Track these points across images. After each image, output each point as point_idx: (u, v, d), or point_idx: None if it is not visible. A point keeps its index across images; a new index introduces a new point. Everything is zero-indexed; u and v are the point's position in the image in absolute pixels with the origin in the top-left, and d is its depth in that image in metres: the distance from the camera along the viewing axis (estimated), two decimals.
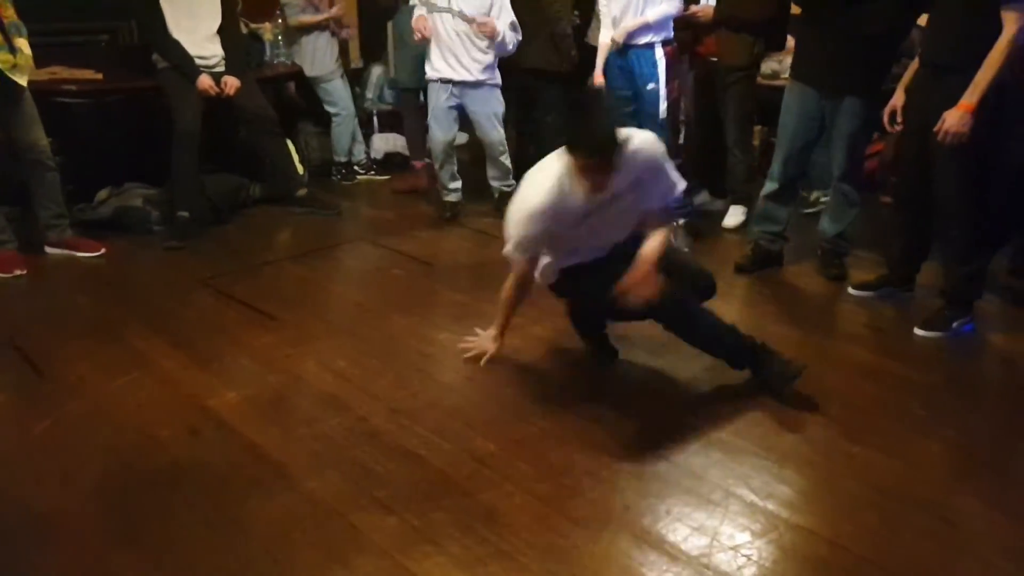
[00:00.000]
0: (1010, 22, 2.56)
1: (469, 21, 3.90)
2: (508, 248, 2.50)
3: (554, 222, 2.38)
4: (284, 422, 2.45)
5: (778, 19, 3.79)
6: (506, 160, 4.29)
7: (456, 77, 4.01)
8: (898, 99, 3.07)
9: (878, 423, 2.46)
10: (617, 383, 2.70)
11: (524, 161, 3.40)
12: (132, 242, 4.02)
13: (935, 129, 2.73)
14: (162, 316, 3.19)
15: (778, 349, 2.60)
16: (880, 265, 3.40)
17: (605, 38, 3.85)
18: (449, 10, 3.92)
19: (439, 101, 4.11)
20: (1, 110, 3.46)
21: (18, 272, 3.53)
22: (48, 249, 3.78)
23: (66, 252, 3.77)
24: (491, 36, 3.92)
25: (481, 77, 4.03)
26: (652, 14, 3.62)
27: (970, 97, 2.65)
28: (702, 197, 4.37)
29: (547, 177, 2.37)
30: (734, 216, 4.24)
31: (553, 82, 4.38)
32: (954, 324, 2.99)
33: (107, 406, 2.54)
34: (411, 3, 4.11)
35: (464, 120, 4.28)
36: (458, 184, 4.37)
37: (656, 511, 2.04)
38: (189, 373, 2.73)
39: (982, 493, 2.12)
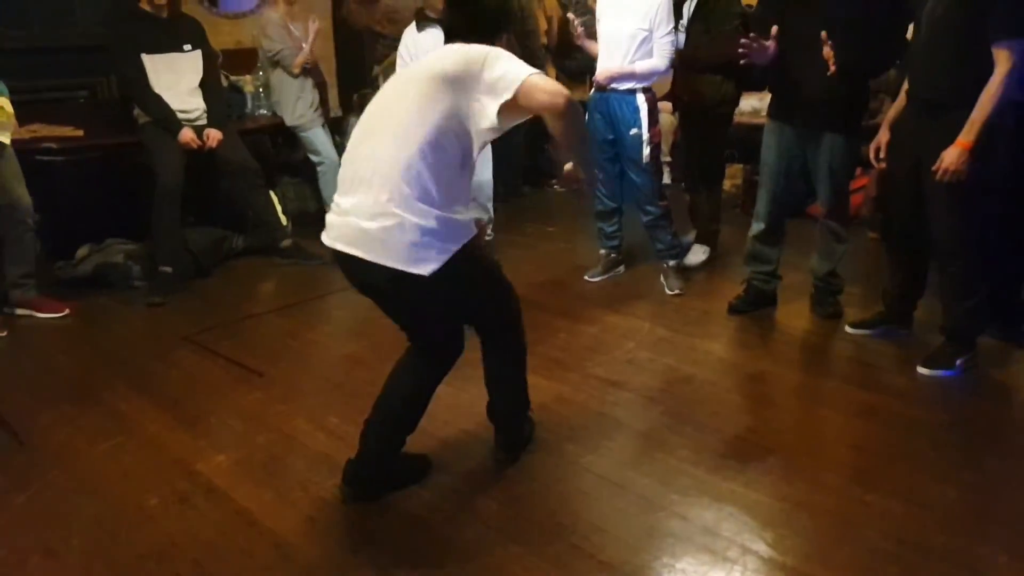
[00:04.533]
0: (1003, 60, 2.56)
1: None
2: (522, 74, 1.95)
3: None
4: (277, 486, 2.34)
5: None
6: (491, 204, 4.22)
7: None
8: (883, 136, 3.08)
9: (890, 467, 2.39)
10: (619, 436, 2.62)
11: None
12: (114, 299, 3.91)
13: (933, 168, 2.72)
14: (145, 376, 3.08)
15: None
16: (876, 302, 3.37)
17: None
18: None
19: None
20: None
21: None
22: (14, 309, 3.65)
23: (29, 312, 3.65)
24: None
25: None
26: (640, 66, 3.61)
27: (967, 136, 2.64)
28: (692, 237, 4.35)
29: None
30: (696, 254, 4.23)
31: None
32: (958, 361, 2.95)
33: (91, 474, 2.42)
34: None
35: None
36: None
37: (672, 570, 1.96)
38: (175, 436, 2.62)
39: (1006, 541, 2.05)
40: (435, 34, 3.87)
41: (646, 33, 3.58)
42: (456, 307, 2.21)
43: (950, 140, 2.67)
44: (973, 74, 2.61)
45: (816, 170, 3.27)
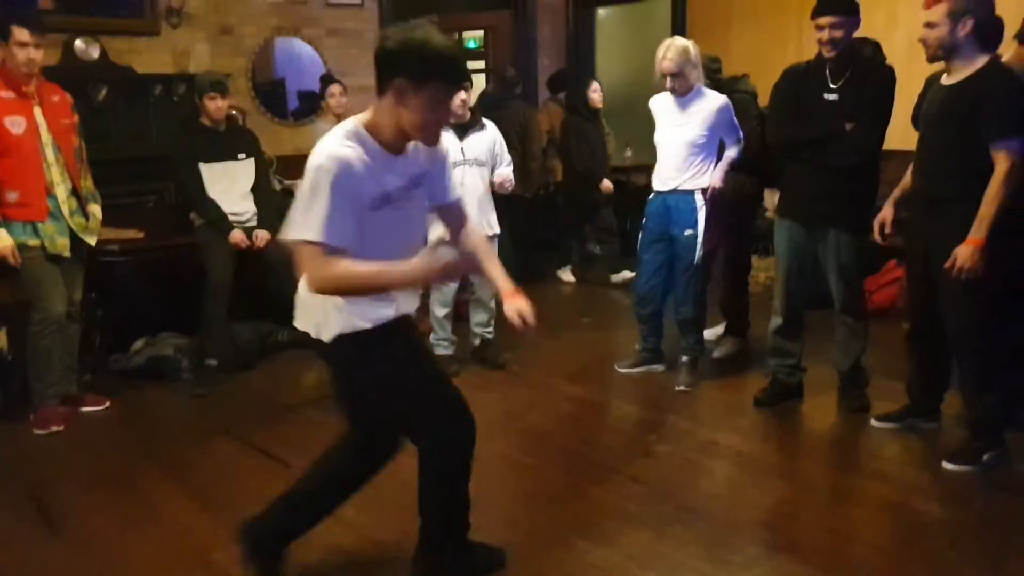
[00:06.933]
0: (1001, 160, 2.61)
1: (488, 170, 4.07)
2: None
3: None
4: None
5: (764, 156, 3.85)
6: (493, 305, 4.24)
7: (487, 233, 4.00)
8: (886, 212, 3.15)
9: (906, 567, 2.34)
10: (630, 531, 2.62)
11: None
12: (162, 390, 4.12)
13: (946, 266, 2.73)
14: (181, 465, 3.23)
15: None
16: (905, 394, 3.31)
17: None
18: (464, 162, 4.03)
19: None
20: (64, 264, 3.64)
21: (55, 429, 3.57)
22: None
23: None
24: (509, 187, 4.09)
25: (497, 230, 4.14)
26: (724, 166, 3.77)
27: (977, 232, 2.66)
28: (716, 332, 4.36)
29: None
30: (725, 347, 4.29)
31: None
32: (984, 457, 2.87)
33: (116, 562, 2.54)
34: None
35: None
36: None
37: None
38: (200, 525, 2.74)
39: None
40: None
41: (705, 139, 3.68)
42: (365, 396, 2.19)
43: (954, 232, 2.70)
44: (970, 169, 2.67)
45: (826, 266, 3.30)
